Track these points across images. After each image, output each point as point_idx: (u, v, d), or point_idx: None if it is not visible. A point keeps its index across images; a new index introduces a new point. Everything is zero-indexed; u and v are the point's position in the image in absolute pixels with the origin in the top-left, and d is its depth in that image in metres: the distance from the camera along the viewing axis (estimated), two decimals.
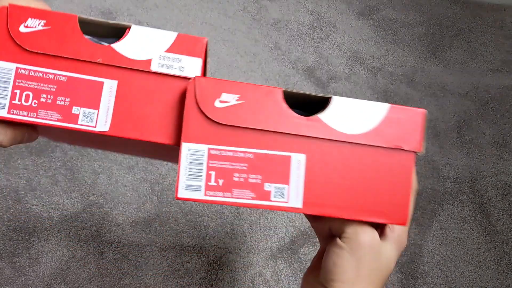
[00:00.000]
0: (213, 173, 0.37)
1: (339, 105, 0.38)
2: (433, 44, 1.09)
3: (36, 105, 0.36)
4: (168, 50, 0.38)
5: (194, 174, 0.37)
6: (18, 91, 0.36)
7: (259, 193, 0.37)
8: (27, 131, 0.40)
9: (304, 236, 0.79)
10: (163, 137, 0.38)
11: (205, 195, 0.37)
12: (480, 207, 0.83)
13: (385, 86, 1.00)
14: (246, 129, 0.37)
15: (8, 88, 0.36)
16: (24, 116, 0.36)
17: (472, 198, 0.85)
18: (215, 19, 1.08)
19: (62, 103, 0.37)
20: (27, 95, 0.36)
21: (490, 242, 0.76)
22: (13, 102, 0.36)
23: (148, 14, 1.06)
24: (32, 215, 0.76)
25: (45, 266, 0.71)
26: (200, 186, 0.37)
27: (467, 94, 1.01)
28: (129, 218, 0.77)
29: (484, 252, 0.75)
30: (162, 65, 0.38)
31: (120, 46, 0.37)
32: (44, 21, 0.37)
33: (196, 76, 0.37)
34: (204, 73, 0.39)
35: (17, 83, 0.36)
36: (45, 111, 0.36)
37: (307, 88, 0.97)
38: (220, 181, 0.37)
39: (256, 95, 0.37)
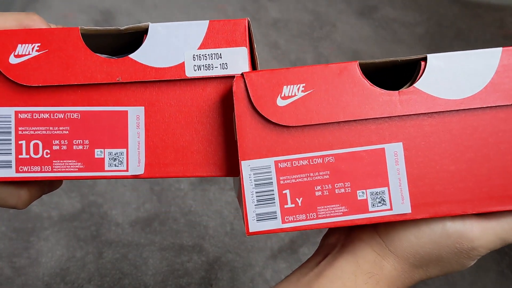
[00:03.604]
0: (287, 192, 0.29)
1: (438, 65, 0.29)
2: (433, 44, 1.09)
3: (49, 155, 0.29)
4: (202, 46, 0.30)
5: (263, 198, 0.29)
6: (23, 142, 0.29)
7: (353, 206, 0.29)
8: (47, 184, 0.33)
9: (304, 236, 0.79)
10: (213, 167, 0.30)
11: (284, 222, 0.29)
12: None
13: None
14: (321, 125, 0.29)
15: (10, 140, 0.29)
16: (37, 172, 0.29)
17: None
18: (215, 19, 1.08)
19: (81, 147, 0.30)
20: (36, 145, 0.29)
21: None
22: (19, 157, 0.29)
23: (147, 14, 1.06)
24: (31, 215, 0.76)
25: (45, 266, 0.71)
26: (274, 212, 0.29)
27: None
28: (128, 218, 0.77)
29: None
30: (199, 67, 0.30)
31: (140, 55, 0.29)
32: (39, 44, 0.29)
33: (244, 73, 0.29)
34: (252, 64, 0.31)
35: (20, 132, 0.29)
36: (61, 161, 0.29)
37: None
38: (299, 201, 0.29)
39: (327, 77, 0.28)
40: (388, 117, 0.29)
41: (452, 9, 1.16)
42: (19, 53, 0.29)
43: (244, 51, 0.30)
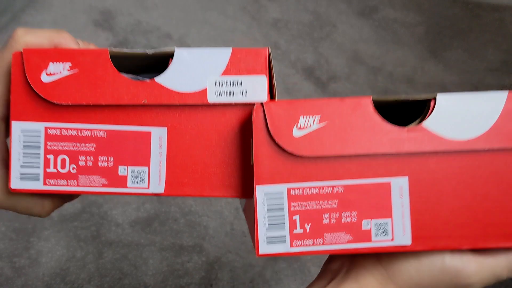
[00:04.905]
0: (297, 217, 0.30)
1: (446, 106, 0.30)
2: (433, 44, 1.09)
3: (75, 170, 0.31)
4: (225, 73, 0.31)
5: (274, 222, 0.30)
6: (51, 156, 0.31)
7: (358, 235, 0.30)
8: (68, 194, 0.34)
9: None
10: (229, 189, 0.32)
11: (292, 245, 0.30)
12: None
13: (385, 86, 1.00)
14: (333, 157, 0.30)
15: (39, 154, 0.31)
16: (63, 185, 0.31)
17: None
18: (215, 19, 1.08)
19: (105, 164, 0.31)
20: (63, 160, 0.31)
21: None
22: (47, 170, 0.31)
23: (148, 14, 1.06)
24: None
25: (45, 266, 0.71)
26: (284, 236, 0.30)
27: None
28: (128, 218, 0.77)
29: None
30: (220, 93, 0.31)
31: (166, 79, 0.31)
32: (69, 64, 0.30)
33: (264, 103, 0.30)
34: (270, 91, 0.32)
35: (48, 147, 0.31)
36: (86, 176, 0.31)
37: (307, 88, 0.97)
38: (308, 227, 0.30)
39: (342, 111, 0.30)
40: (395, 153, 0.30)
41: (453, 9, 1.16)
42: (51, 72, 0.30)
43: (263, 80, 0.31)
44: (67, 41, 0.32)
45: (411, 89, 1.00)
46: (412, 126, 0.30)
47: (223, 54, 0.31)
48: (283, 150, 0.30)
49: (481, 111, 0.30)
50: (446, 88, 1.01)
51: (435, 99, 0.30)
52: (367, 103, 0.30)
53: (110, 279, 0.71)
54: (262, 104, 0.30)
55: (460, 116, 0.30)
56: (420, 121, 0.31)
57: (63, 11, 1.03)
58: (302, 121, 0.30)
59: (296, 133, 0.30)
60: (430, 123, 0.30)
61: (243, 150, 0.32)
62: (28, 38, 0.31)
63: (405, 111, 0.33)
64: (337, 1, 1.15)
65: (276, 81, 1.06)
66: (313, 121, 0.30)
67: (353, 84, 0.99)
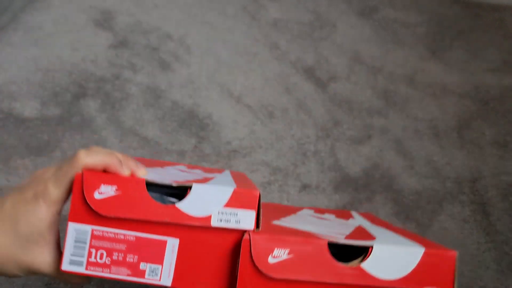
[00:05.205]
0: None
1: (380, 253, 0.42)
2: (433, 44, 1.09)
3: (109, 262, 0.42)
4: (226, 205, 0.42)
5: None
6: (94, 250, 0.41)
7: None
8: None
9: None
10: None
11: None
12: (480, 207, 0.82)
13: (385, 86, 1.00)
14: (294, 280, 0.41)
15: (85, 247, 0.42)
16: (99, 272, 0.42)
17: (472, 198, 0.85)
18: (215, 19, 1.08)
19: (131, 260, 0.42)
20: (101, 254, 0.42)
21: (490, 242, 0.76)
22: (89, 259, 0.41)
23: (147, 14, 1.06)
24: None
25: None
26: None
27: (467, 94, 1.01)
28: None
29: (484, 252, 0.75)
30: (221, 220, 0.42)
31: (183, 205, 0.42)
32: (116, 187, 0.41)
33: (251, 233, 0.41)
34: (257, 221, 0.42)
35: (93, 243, 0.42)
36: (116, 267, 0.42)
37: (307, 88, 0.97)
38: None
39: (305, 248, 0.41)
40: (341, 283, 0.42)
41: (453, 10, 1.17)
42: (102, 191, 0.41)
43: (253, 214, 0.42)
44: (114, 163, 0.42)
45: (411, 89, 1.00)
46: (354, 264, 0.42)
47: (227, 192, 0.42)
48: (260, 271, 0.41)
49: (404, 260, 0.42)
50: (447, 88, 1.02)
51: (372, 247, 0.42)
52: (324, 245, 0.42)
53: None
54: (249, 235, 0.41)
55: (388, 262, 0.42)
56: (360, 261, 0.42)
57: (63, 11, 1.03)
58: (276, 251, 0.41)
59: (271, 260, 0.41)
60: (366, 265, 0.42)
61: (232, 264, 0.42)
62: (87, 160, 0.41)
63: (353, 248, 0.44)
64: (337, 1, 1.15)
65: (276, 81, 1.06)
66: (284, 253, 0.41)
67: (353, 84, 0.99)
